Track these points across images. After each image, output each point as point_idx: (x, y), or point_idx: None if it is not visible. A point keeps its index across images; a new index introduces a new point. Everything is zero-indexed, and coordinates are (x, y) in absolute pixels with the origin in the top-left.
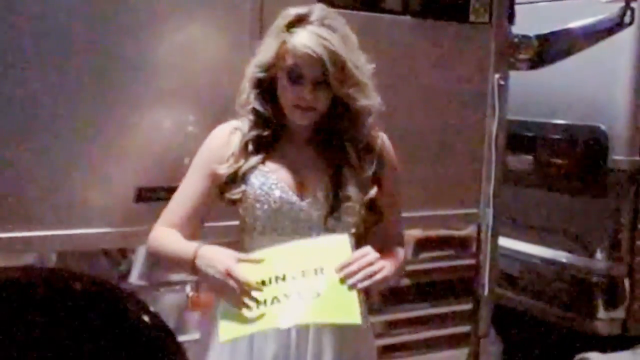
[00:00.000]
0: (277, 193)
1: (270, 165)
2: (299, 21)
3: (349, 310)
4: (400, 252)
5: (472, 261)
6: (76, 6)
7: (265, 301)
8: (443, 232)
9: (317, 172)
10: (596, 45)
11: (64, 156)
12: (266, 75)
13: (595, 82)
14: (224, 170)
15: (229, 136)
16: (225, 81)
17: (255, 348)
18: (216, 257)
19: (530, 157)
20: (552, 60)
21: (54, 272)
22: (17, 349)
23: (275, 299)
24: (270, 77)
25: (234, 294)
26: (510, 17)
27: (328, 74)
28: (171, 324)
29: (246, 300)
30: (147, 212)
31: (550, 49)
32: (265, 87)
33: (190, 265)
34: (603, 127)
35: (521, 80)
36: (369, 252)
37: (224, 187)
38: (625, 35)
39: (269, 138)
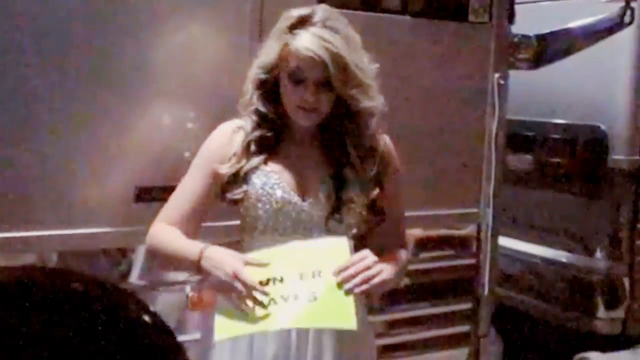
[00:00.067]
0: (278, 193)
1: (272, 166)
2: (301, 23)
3: (344, 315)
4: (403, 254)
5: (472, 261)
6: (76, 6)
7: (262, 303)
8: (443, 231)
9: (319, 172)
10: (596, 44)
11: (63, 156)
12: (269, 77)
13: (595, 82)
14: (226, 170)
15: (231, 135)
16: (225, 82)
17: (256, 348)
18: (224, 259)
19: (530, 157)
20: (552, 59)
21: (54, 272)
22: (17, 349)
23: (272, 300)
24: (273, 78)
25: (239, 295)
26: (510, 17)
27: (330, 76)
28: (171, 323)
29: (250, 302)
30: (147, 212)
31: (550, 48)
32: (268, 88)
33: (195, 266)
34: (603, 126)
35: (521, 80)
36: (366, 256)
37: (226, 187)
38: (625, 35)
39: (271, 139)
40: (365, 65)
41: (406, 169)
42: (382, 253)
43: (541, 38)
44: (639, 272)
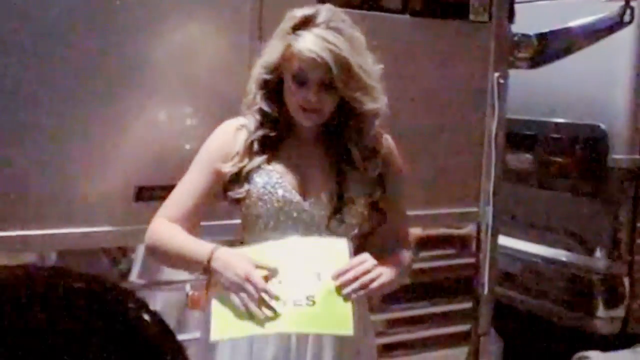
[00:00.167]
0: (280, 192)
1: (274, 165)
2: (305, 23)
3: (342, 321)
4: (405, 255)
5: (472, 260)
6: (76, 6)
7: (269, 305)
8: (443, 230)
9: (321, 172)
10: (596, 44)
11: (63, 155)
12: (272, 77)
13: (595, 81)
14: (228, 168)
15: (234, 133)
16: (224, 81)
17: (255, 349)
18: (235, 261)
19: (530, 156)
20: (552, 59)
21: (54, 271)
22: (17, 348)
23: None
24: (276, 78)
25: (249, 297)
26: (510, 16)
27: (333, 77)
28: (171, 322)
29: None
30: (147, 211)
31: (549, 47)
32: (272, 88)
33: (202, 266)
34: (603, 125)
35: (521, 79)
36: (366, 260)
37: (228, 186)
38: (625, 34)
39: (274, 138)
40: (369, 66)
41: (406, 168)
42: (384, 254)
43: (541, 37)
44: (638, 272)
